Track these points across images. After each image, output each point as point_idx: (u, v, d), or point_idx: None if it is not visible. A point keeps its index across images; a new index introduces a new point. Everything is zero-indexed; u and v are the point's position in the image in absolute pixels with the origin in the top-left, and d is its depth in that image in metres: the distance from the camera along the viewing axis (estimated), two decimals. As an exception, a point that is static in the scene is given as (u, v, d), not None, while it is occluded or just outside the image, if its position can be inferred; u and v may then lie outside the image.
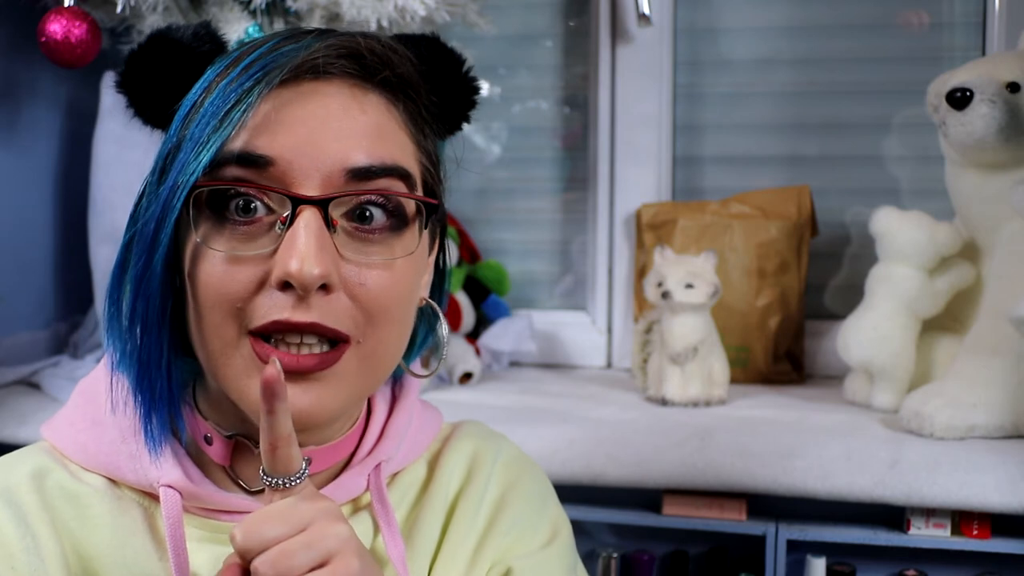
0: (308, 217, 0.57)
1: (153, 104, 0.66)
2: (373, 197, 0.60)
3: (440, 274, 0.74)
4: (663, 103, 1.72)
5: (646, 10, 1.59)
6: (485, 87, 1.84)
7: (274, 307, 0.57)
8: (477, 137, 1.85)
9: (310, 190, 0.58)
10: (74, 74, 1.53)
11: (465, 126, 0.74)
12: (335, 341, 0.59)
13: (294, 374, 0.58)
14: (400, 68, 0.63)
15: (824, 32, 1.69)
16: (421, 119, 0.66)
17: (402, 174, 0.61)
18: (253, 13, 1.28)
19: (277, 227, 0.58)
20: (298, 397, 0.58)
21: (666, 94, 1.72)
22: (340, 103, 0.60)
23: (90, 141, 1.49)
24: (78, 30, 1.20)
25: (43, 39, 1.21)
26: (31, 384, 1.45)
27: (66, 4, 1.21)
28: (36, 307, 1.56)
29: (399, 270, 0.61)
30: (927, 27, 1.66)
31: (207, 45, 0.66)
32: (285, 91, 0.60)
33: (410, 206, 0.62)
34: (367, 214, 0.60)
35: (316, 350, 0.59)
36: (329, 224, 0.58)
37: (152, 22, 1.28)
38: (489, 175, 1.85)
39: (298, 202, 0.58)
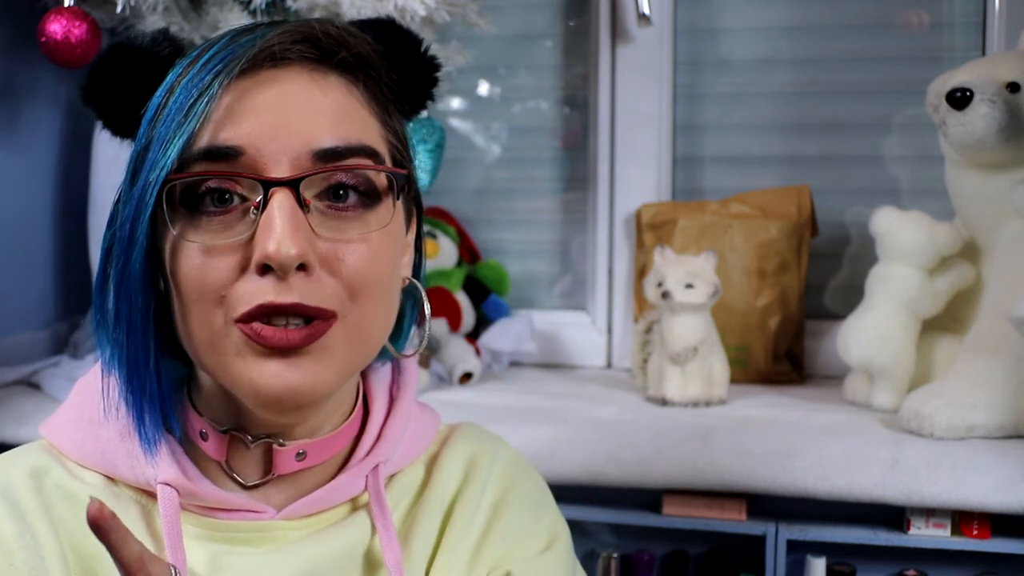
0: (281, 199, 0.58)
1: (121, 113, 0.66)
2: (343, 177, 0.60)
3: (419, 254, 0.74)
4: (663, 103, 1.72)
5: (646, 10, 1.59)
6: (484, 87, 1.84)
7: (256, 292, 0.58)
8: (477, 137, 1.85)
9: (280, 173, 0.59)
10: (74, 74, 1.53)
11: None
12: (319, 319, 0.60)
13: (283, 350, 0.59)
14: (357, 48, 0.64)
15: (824, 32, 1.69)
16: (384, 97, 0.66)
17: (369, 152, 0.62)
18: (253, 13, 1.28)
19: (251, 212, 0.59)
20: (289, 373, 0.59)
21: (666, 94, 1.72)
22: (301, 87, 0.61)
23: (90, 141, 1.49)
24: (78, 30, 1.20)
25: (43, 39, 1.21)
26: (31, 384, 1.45)
27: (66, 4, 1.21)
28: (36, 307, 1.56)
29: (376, 243, 0.62)
30: (927, 27, 1.66)
31: (167, 49, 0.66)
32: (244, 81, 0.60)
33: (381, 181, 0.63)
34: (340, 193, 0.61)
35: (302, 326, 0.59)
36: (302, 204, 0.59)
37: (152, 22, 1.28)
38: (489, 175, 1.85)
39: (269, 185, 0.58)
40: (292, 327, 0.58)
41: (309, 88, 0.61)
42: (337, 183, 0.60)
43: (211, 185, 0.59)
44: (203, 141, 0.59)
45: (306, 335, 0.59)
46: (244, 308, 0.58)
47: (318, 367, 0.60)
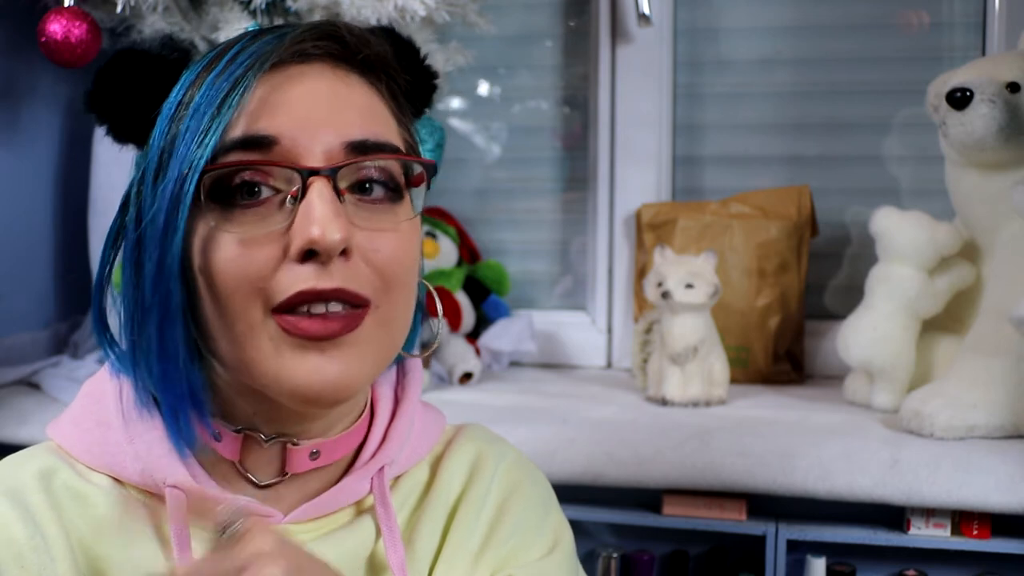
0: (320, 187, 0.59)
1: (126, 119, 0.66)
2: (372, 172, 0.62)
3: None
4: (663, 103, 1.72)
5: (646, 10, 1.59)
6: (484, 87, 1.84)
7: (297, 279, 0.58)
8: (477, 137, 1.85)
9: (314, 163, 0.60)
10: (74, 74, 1.53)
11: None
12: (356, 306, 0.60)
13: (321, 341, 0.59)
14: (377, 48, 0.65)
15: (824, 32, 1.69)
16: (401, 97, 0.68)
17: (393, 150, 0.63)
18: (253, 13, 1.28)
19: (288, 202, 0.59)
20: (325, 367, 0.59)
21: (666, 94, 1.72)
22: (328, 83, 0.62)
23: (90, 141, 1.49)
24: (78, 30, 1.20)
25: (43, 39, 1.21)
26: (31, 384, 1.45)
27: (66, 4, 1.21)
28: (36, 307, 1.56)
29: (405, 234, 0.63)
30: (927, 27, 1.66)
31: (175, 53, 0.67)
32: (274, 76, 0.61)
33: (402, 178, 0.64)
34: (367, 187, 0.62)
35: (340, 312, 0.60)
36: (339, 194, 0.60)
37: (152, 22, 1.28)
38: (489, 175, 1.85)
39: (308, 174, 0.59)
40: (331, 314, 0.59)
41: (335, 84, 0.63)
42: (366, 177, 0.62)
43: (245, 177, 0.59)
44: (238, 131, 0.59)
45: (345, 322, 0.59)
46: (284, 296, 0.58)
47: (352, 360, 0.60)
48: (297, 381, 0.59)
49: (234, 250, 0.59)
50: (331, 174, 0.59)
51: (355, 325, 0.60)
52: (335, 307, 0.59)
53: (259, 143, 0.59)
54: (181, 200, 0.59)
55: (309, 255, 0.58)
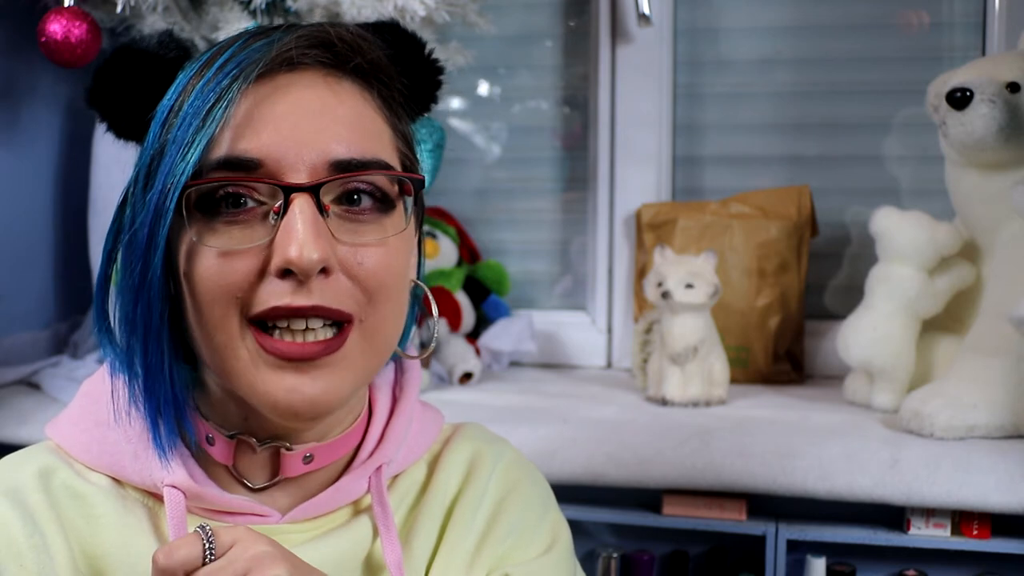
0: (301, 204, 0.58)
1: (126, 115, 0.66)
2: (362, 185, 0.61)
3: (419, 255, 0.74)
4: (663, 103, 1.72)
5: (646, 10, 1.59)
6: (484, 87, 1.84)
7: (274, 294, 0.58)
8: (477, 137, 1.85)
9: (299, 180, 0.59)
10: (74, 74, 1.53)
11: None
12: (339, 323, 0.60)
13: (300, 362, 0.59)
14: (371, 54, 0.64)
15: (824, 32, 1.69)
16: (395, 103, 0.67)
17: (382, 166, 0.62)
18: (253, 13, 1.28)
19: (271, 217, 0.59)
20: (307, 386, 0.59)
21: (666, 94, 1.72)
22: (316, 95, 0.61)
23: (90, 141, 1.49)
24: (78, 30, 1.20)
25: (43, 39, 1.21)
26: (31, 384, 1.45)
27: (66, 4, 1.22)
28: (36, 307, 1.56)
29: (392, 247, 0.62)
30: (927, 27, 1.66)
31: (173, 51, 0.67)
32: (262, 87, 0.60)
33: (393, 188, 0.63)
34: (355, 198, 0.61)
35: (320, 336, 0.60)
36: (321, 209, 0.59)
37: (152, 22, 1.28)
38: (489, 175, 1.85)
39: (290, 190, 0.59)
40: (311, 335, 0.59)
41: (324, 96, 0.61)
42: (353, 189, 0.61)
43: (229, 190, 0.59)
44: (222, 150, 0.59)
45: (323, 347, 0.59)
46: (260, 308, 0.58)
47: (335, 377, 0.60)
48: (275, 397, 0.59)
49: (215, 261, 0.59)
50: (313, 191, 0.59)
51: (337, 346, 0.60)
52: (315, 323, 0.59)
53: (242, 165, 0.59)
54: (163, 215, 0.59)
55: (288, 272, 0.58)
